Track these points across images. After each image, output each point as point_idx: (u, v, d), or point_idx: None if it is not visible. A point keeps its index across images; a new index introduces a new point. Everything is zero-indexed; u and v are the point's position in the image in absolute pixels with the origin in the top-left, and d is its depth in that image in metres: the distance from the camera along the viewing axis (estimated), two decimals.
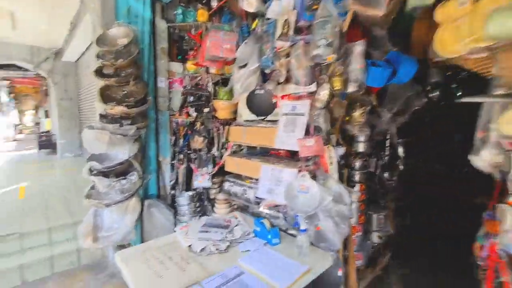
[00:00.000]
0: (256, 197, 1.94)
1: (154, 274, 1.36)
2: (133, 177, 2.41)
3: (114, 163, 2.34)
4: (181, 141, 3.10)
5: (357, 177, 2.09)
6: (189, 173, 3.11)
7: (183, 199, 2.77)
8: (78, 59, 7.47)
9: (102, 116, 2.47)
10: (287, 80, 1.83)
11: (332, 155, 1.71)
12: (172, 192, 3.11)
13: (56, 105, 7.65)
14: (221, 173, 2.96)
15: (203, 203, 2.95)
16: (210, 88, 2.99)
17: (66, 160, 7.45)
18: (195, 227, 1.78)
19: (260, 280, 1.31)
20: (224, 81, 2.97)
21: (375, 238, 2.38)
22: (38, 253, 2.67)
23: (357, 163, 2.10)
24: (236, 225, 1.86)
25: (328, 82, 1.50)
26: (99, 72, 2.42)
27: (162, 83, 3.05)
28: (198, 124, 2.99)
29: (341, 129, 1.84)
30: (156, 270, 1.40)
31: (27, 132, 20.79)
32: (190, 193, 2.88)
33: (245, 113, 2.29)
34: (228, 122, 2.97)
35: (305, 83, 1.55)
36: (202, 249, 1.56)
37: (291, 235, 1.77)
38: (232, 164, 2.16)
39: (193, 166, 2.99)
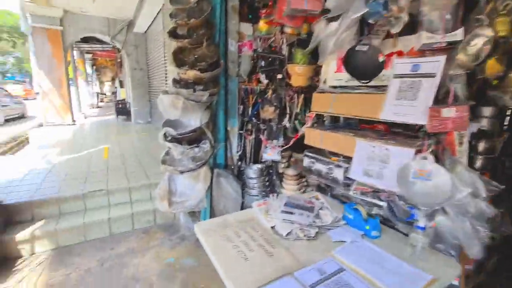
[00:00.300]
0: (347, 178, 1.63)
1: (239, 255, 1.21)
2: (206, 145, 2.32)
3: (187, 130, 2.28)
4: (250, 110, 2.91)
5: (479, 162, 1.59)
6: (257, 145, 2.94)
7: (252, 172, 2.63)
8: (146, 30, 7.77)
9: (175, 81, 2.39)
10: (401, 31, 1.38)
11: (464, 132, 1.27)
12: (239, 163, 3.01)
13: (129, 75, 8.26)
14: (290, 147, 2.72)
15: (271, 177, 2.78)
16: (285, 50, 2.65)
17: (138, 125, 8.17)
18: (275, 205, 1.58)
19: (369, 284, 1.05)
20: (301, 43, 2.58)
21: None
22: (121, 209, 2.91)
23: (482, 145, 1.58)
24: (320, 209, 1.61)
25: (487, 26, 1.03)
26: (172, 33, 2.29)
27: (232, 46, 2.81)
28: (269, 92, 2.72)
29: (478, 95, 1.35)
30: (240, 251, 1.24)
31: (106, 100, 23.76)
32: (259, 166, 2.72)
33: (332, 78, 1.91)
34: (302, 90, 2.64)
35: (444, 29, 1.10)
36: (288, 233, 1.35)
37: (394, 228, 1.44)
38: (314, 137, 1.86)
39: (262, 137, 2.80)
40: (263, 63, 2.78)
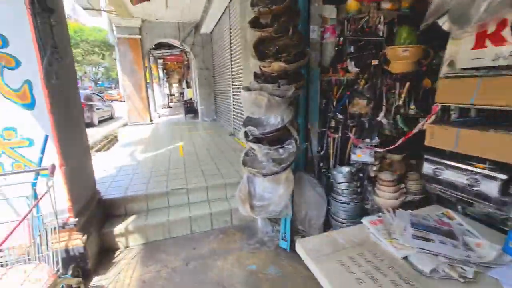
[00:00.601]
0: (505, 194, 1.17)
1: None
2: (291, 146, 2.08)
3: (272, 129, 2.07)
4: (334, 104, 2.56)
5: None
6: (342, 144, 2.58)
7: (341, 176, 2.29)
8: (212, 30, 7.99)
9: (256, 76, 2.20)
10: None
11: None
12: (320, 164, 2.70)
13: (197, 75, 8.68)
14: (383, 146, 2.27)
15: (362, 182, 2.39)
16: (383, 31, 2.21)
17: (205, 123, 8.55)
18: (398, 226, 1.23)
19: None
20: (403, 20, 2.11)
21: None
22: (200, 208, 2.93)
23: None
24: (464, 234, 1.19)
25: None
26: (254, 23, 2.10)
27: (314, 32, 2.49)
28: (361, 83, 2.32)
29: None
30: None
31: (174, 100, 26.08)
32: (348, 168, 2.36)
33: (467, 57, 1.43)
34: (406, 78, 2.16)
35: None
36: (433, 270, 1.00)
37: None
38: (444, 136, 1.42)
39: (351, 135, 2.42)
40: (352, 49, 2.39)
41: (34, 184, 1.75)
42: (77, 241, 2.17)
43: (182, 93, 19.76)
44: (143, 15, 7.48)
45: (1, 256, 1.72)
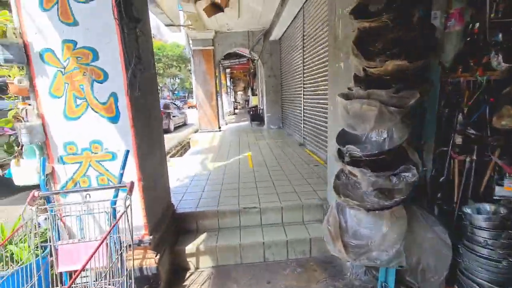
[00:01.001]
0: None
1: None
2: (409, 174, 1.52)
3: (380, 149, 1.56)
4: (462, 115, 1.87)
5: None
6: (477, 170, 1.85)
7: (483, 219, 1.58)
8: (281, 36, 7.76)
9: (358, 80, 1.73)
10: None
11: None
12: (438, 195, 2.01)
13: (264, 82, 8.55)
14: None
15: None
16: None
17: (271, 131, 8.33)
18: None
19: None
20: None
21: None
22: (274, 233, 2.58)
23: None
24: None
25: None
26: (359, 10, 1.64)
27: (436, 20, 1.88)
28: None
29: None
30: None
31: (239, 107, 27.11)
32: (493, 206, 1.64)
33: None
34: None
35: None
36: None
37: None
38: None
39: (495, 159, 1.70)
40: (499, 37, 1.68)
41: (113, 203, 1.65)
42: (151, 261, 2.05)
43: (247, 101, 20.31)
44: (216, 27, 7.77)
45: (84, 276, 1.67)
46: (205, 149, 6.05)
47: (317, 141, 4.85)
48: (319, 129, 4.66)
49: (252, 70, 16.33)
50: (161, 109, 10.39)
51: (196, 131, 9.98)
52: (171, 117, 11.03)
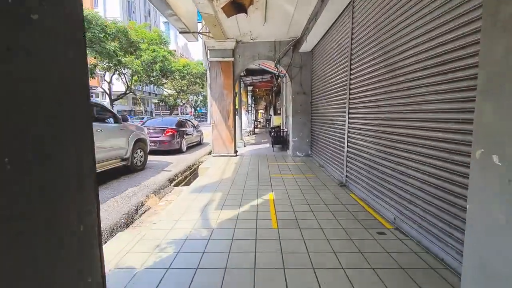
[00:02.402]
0: None
1: None
2: None
3: None
4: None
5: None
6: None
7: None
8: (314, 46, 6.41)
9: None
10: None
11: None
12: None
13: (290, 100, 7.14)
14: None
15: None
16: None
17: (297, 159, 6.77)
18: None
19: None
20: None
21: None
22: None
23: None
24: None
25: None
26: None
27: None
28: None
29: None
30: None
31: (260, 127, 25.89)
32: None
33: None
34: None
35: None
36: None
37: None
38: None
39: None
40: None
41: None
42: None
43: (268, 120, 19.01)
44: (237, 35, 6.61)
45: None
46: (214, 183, 4.62)
47: (374, 186, 3.24)
48: (378, 169, 3.07)
49: (275, 88, 15.13)
50: (174, 127, 9.29)
51: (209, 153, 8.67)
52: (184, 135, 9.86)
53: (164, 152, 9.13)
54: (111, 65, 20.39)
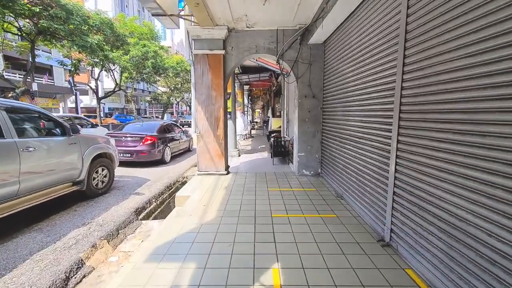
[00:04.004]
0: None
1: None
2: None
3: None
4: None
5: None
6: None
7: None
8: (329, 36, 4.89)
9: None
10: None
11: None
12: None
13: (296, 105, 5.62)
14: None
15: None
16: None
17: (304, 180, 5.27)
18: None
19: None
20: None
21: None
22: None
23: None
24: None
25: None
26: None
27: None
28: None
29: None
30: None
31: (257, 128, 24.32)
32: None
33: None
34: None
35: None
36: None
37: None
38: None
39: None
40: None
41: None
42: None
43: (265, 122, 17.46)
44: (230, 21, 5.05)
45: None
46: (188, 233, 3.09)
47: (463, 267, 1.74)
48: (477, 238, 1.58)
49: (274, 88, 13.58)
50: (154, 134, 7.71)
51: (195, 165, 7.13)
52: (169, 143, 8.28)
53: (143, 163, 7.55)
54: (97, 60, 18.62)
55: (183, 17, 4.93)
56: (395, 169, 2.58)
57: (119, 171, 6.88)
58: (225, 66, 5.49)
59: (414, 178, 2.31)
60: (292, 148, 7.09)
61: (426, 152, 2.16)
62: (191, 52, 5.35)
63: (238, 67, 10.58)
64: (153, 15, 4.59)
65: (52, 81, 26.97)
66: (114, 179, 5.99)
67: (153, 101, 36.69)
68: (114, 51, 18.64)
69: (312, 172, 5.58)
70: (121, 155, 7.19)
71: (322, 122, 5.44)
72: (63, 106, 29.58)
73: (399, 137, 2.53)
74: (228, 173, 5.79)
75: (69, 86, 22.14)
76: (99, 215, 4.16)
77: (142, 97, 40.55)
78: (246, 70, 11.68)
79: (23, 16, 13.17)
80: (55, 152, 4.06)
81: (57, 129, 4.30)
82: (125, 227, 3.95)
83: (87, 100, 33.68)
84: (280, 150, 7.13)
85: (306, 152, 5.53)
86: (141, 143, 7.22)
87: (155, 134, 7.63)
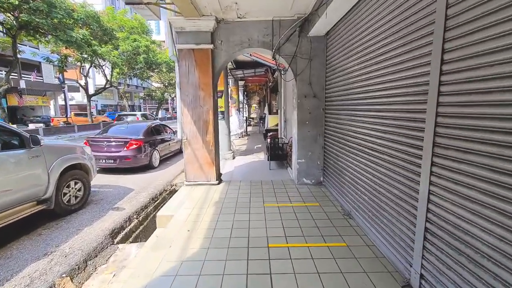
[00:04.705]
0: None
1: None
2: None
3: None
4: None
5: None
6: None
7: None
8: (334, 26, 4.21)
9: None
10: None
11: None
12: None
13: (296, 106, 4.97)
14: None
15: None
16: None
17: (304, 188, 4.67)
18: None
19: None
20: None
21: None
22: None
23: None
24: None
25: None
26: None
27: None
28: None
29: None
30: None
31: (253, 124, 23.61)
32: None
33: None
34: None
35: None
36: None
37: None
38: None
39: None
40: None
41: None
42: None
43: (262, 118, 16.78)
44: (218, 10, 4.34)
45: None
46: (165, 276, 2.47)
47: None
48: None
49: (271, 83, 12.87)
50: (140, 137, 7.02)
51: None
52: (157, 146, 7.60)
53: (128, 169, 6.89)
54: (85, 56, 17.68)
55: (163, 6, 4.21)
56: (429, 191, 1.96)
57: (100, 180, 6.22)
58: (213, 62, 4.80)
59: (461, 206, 1.69)
60: (291, 151, 6.48)
61: (482, 174, 1.54)
62: (175, 47, 4.64)
63: (231, 62, 9.85)
64: (126, 3, 3.87)
65: (41, 78, 25.86)
66: (93, 190, 5.35)
67: (146, 98, 35.69)
68: (103, 46, 17.70)
69: (313, 181, 4.97)
70: (103, 161, 6.53)
71: (325, 125, 4.80)
72: (54, 103, 28.55)
73: (436, 149, 1.91)
74: (220, 182, 5.16)
75: (59, 83, 21.19)
76: (67, 239, 3.53)
77: (136, 94, 39.48)
78: (240, 65, 10.95)
79: (2, 9, 12.23)
80: (11, 168, 3.39)
81: (14, 141, 3.62)
82: (96, 255, 3.32)
83: (79, 97, 32.58)
84: (278, 153, 6.50)
85: (307, 159, 4.91)
86: (125, 148, 6.54)
87: (141, 137, 6.94)
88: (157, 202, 5.18)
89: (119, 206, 4.72)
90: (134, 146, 6.60)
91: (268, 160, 6.76)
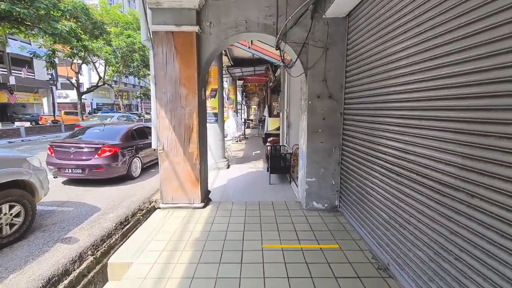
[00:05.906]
0: None
1: None
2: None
3: None
4: None
5: None
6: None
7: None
8: (355, 7, 3.09)
9: None
10: None
11: None
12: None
13: (305, 108, 3.83)
14: None
15: None
16: None
17: (316, 221, 3.52)
18: None
19: None
20: None
21: None
22: None
23: None
24: None
25: None
26: None
27: None
28: None
29: None
30: None
31: (252, 126, 22.47)
32: None
33: None
34: None
35: None
36: None
37: None
38: None
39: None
40: None
41: None
42: None
43: (261, 121, 15.64)
44: None
45: None
46: None
47: None
48: None
49: (271, 84, 11.74)
50: (116, 143, 5.86)
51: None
52: (137, 153, 6.43)
53: (102, 180, 5.72)
54: (74, 51, 16.49)
55: None
56: None
57: (64, 194, 5.07)
58: (200, 50, 3.67)
59: None
60: (295, 162, 5.34)
61: None
62: (149, 29, 3.50)
63: (229, 59, 8.72)
64: None
65: (33, 74, 24.65)
66: (48, 210, 4.21)
67: (143, 96, 34.54)
68: (94, 41, 16.51)
69: (326, 205, 3.84)
70: (70, 171, 5.37)
71: (343, 135, 3.67)
72: (47, 101, 27.30)
73: None
74: (206, 204, 4.02)
75: (50, 80, 20.02)
76: None
77: (133, 92, 38.26)
78: (239, 62, 9.83)
79: None
80: None
81: None
82: None
83: (74, 95, 31.35)
84: (279, 166, 5.35)
85: (318, 177, 3.78)
86: (96, 156, 5.38)
87: (118, 142, 5.78)
88: (126, 229, 4.02)
89: (73, 235, 3.56)
90: (108, 154, 5.44)
91: (267, 170, 5.62)
